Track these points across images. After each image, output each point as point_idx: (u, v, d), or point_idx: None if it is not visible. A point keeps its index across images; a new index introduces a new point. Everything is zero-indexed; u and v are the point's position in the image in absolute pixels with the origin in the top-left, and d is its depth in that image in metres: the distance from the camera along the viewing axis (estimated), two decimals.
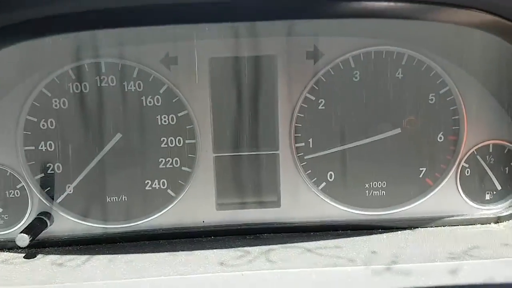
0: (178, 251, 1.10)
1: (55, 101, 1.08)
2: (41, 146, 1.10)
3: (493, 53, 1.10)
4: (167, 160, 1.14)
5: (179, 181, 1.15)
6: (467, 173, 1.18)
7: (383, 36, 1.09)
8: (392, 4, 0.82)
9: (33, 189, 1.11)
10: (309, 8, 0.73)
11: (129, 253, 1.09)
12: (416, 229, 1.19)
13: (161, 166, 1.14)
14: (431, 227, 1.19)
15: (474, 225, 1.18)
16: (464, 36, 1.09)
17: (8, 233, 1.12)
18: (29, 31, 0.84)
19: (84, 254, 1.08)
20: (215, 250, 1.10)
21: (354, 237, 1.16)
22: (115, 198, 1.14)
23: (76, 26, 0.78)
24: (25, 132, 1.09)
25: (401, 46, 1.10)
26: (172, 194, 1.15)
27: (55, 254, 1.08)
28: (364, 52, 1.10)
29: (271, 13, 0.73)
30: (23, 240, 1.00)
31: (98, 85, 1.08)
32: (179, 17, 0.76)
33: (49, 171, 1.11)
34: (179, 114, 1.12)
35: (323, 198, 1.17)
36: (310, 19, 0.75)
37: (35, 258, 1.07)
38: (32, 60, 1.06)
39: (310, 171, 1.17)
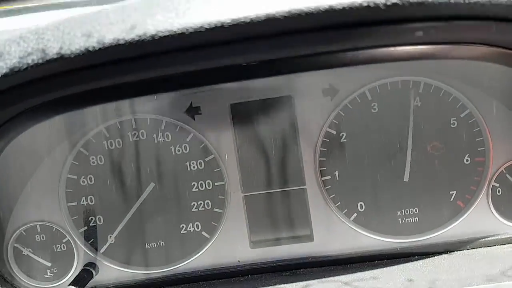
0: None
1: (92, 159, 1.16)
2: (83, 201, 1.17)
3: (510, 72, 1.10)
4: (199, 203, 1.19)
5: (212, 223, 1.20)
6: (499, 192, 1.17)
7: (396, 67, 1.11)
8: (404, 48, 0.84)
9: (78, 242, 1.18)
10: (321, 60, 0.76)
11: None
12: (453, 252, 1.18)
13: (193, 209, 1.19)
14: (468, 249, 1.18)
15: (511, 244, 1.17)
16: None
17: (58, 285, 1.19)
18: (70, 104, 0.91)
19: None
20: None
21: (391, 266, 1.16)
22: (154, 244, 1.20)
23: (114, 97, 0.85)
24: (67, 190, 1.17)
25: (416, 75, 1.12)
26: (207, 235, 1.20)
27: None
28: (380, 84, 1.13)
29: (284, 68, 0.78)
30: None
31: (130, 139, 1.16)
32: (202, 80, 0.82)
33: (91, 224, 1.18)
34: (207, 159, 1.17)
35: (356, 229, 1.19)
36: (323, 69, 0.79)
37: None
38: (69, 123, 1.15)
39: (339, 203, 1.18)
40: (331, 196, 1.19)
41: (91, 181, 1.17)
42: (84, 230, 1.18)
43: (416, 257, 1.18)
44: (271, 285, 1.13)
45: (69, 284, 1.07)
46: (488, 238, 1.17)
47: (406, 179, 1.16)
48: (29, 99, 0.74)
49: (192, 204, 1.19)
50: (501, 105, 1.14)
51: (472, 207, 1.18)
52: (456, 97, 1.13)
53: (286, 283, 1.14)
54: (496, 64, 0.91)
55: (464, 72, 1.12)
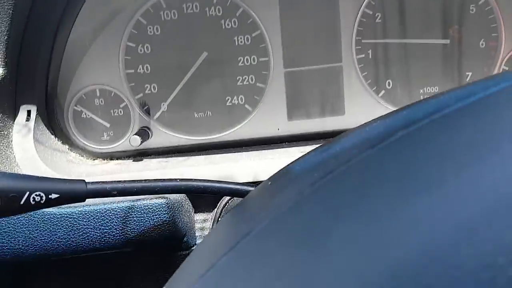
0: (262, 150, 1.29)
1: (150, 28, 1.26)
2: (140, 69, 1.28)
3: None
4: (243, 77, 1.31)
5: (255, 96, 1.32)
6: None
7: None
8: None
9: (135, 107, 1.29)
10: None
11: (219, 154, 1.28)
12: None
13: (238, 83, 1.32)
14: None
15: None
16: None
17: (113, 147, 1.31)
18: None
19: (183, 156, 1.28)
20: (293, 148, 1.28)
21: None
22: (202, 114, 1.32)
23: None
24: (126, 57, 1.27)
25: None
26: (249, 108, 1.33)
27: (158, 158, 1.27)
28: None
29: None
30: (136, 140, 1.18)
31: (185, 11, 1.26)
32: None
33: (146, 91, 1.29)
34: (253, 35, 1.29)
35: (384, 104, 1.34)
36: None
37: (142, 161, 1.26)
38: None
39: (370, 80, 1.33)
40: (363, 74, 1.33)
41: (148, 50, 1.27)
42: (140, 97, 1.29)
43: None
44: (309, 146, 1.29)
45: (134, 134, 1.19)
46: None
47: (429, 56, 1.31)
48: None
49: (237, 78, 1.31)
50: None
51: None
52: None
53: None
54: None
55: None
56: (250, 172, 1.15)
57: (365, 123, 0.66)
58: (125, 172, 1.15)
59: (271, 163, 1.17)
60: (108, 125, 1.29)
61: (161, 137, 1.31)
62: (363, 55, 1.32)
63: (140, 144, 1.20)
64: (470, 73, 1.34)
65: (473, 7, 1.30)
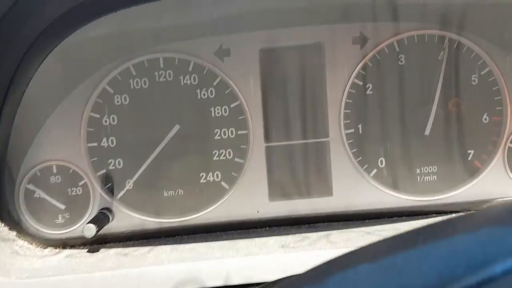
0: (237, 239, 1.12)
1: (117, 97, 1.14)
2: (103, 142, 1.14)
3: None
4: (220, 152, 1.18)
5: (232, 173, 1.18)
6: None
7: (424, 20, 1.15)
8: None
9: (95, 186, 1.14)
10: None
11: (189, 243, 1.11)
12: (469, 212, 1.19)
13: (214, 158, 1.17)
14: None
15: None
16: (503, 17, 1.14)
17: (69, 231, 1.14)
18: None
19: (146, 246, 1.10)
20: (273, 237, 1.12)
21: (411, 221, 1.17)
22: (172, 192, 1.17)
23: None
24: (88, 129, 1.14)
25: (442, 30, 1.15)
26: (226, 186, 1.18)
27: (117, 247, 1.10)
28: (408, 36, 1.15)
29: None
30: (90, 230, 1.02)
31: (157, 80, 1.14)
32: None
33: (110, 167, 1.15)
34: (232, 105, 1.16)
35: (375, 185, 1.19)
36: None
37: (99, 252, 1.09)
38: (94, 58, 1.12)
39: (360, 158, 1.19)
40: (352, 151, 1.19)
41: (113, 121, 1.14)
42: (103, 174, 1.15)
43: (434, 214, 1.19)
44: (291, 234, 1.12)
45: (88, 222, 1.03)
46: (504, 199, 1.20)
47: (427, 132, 1.17)
48: None
49: (213, 152, 1.17)
50: None
51: (489, 168, 1.20)
52: (478, 54, 1.17)
53: (307, 232, 1.13)
54: None
55: (489, 31, 1.16)
56: (220, 275, 0.97)
57: None
58: (73, 273, 0.97)
59: (244, 263, 0.99)
60: (63, 207, 1.13)
61: (124, 219, 1.15)
62: (352, 130, 1.18)
63: (96, 234, 1.04)
64: (472, 151, 1.20)
65: (475, 77, 1.18)
